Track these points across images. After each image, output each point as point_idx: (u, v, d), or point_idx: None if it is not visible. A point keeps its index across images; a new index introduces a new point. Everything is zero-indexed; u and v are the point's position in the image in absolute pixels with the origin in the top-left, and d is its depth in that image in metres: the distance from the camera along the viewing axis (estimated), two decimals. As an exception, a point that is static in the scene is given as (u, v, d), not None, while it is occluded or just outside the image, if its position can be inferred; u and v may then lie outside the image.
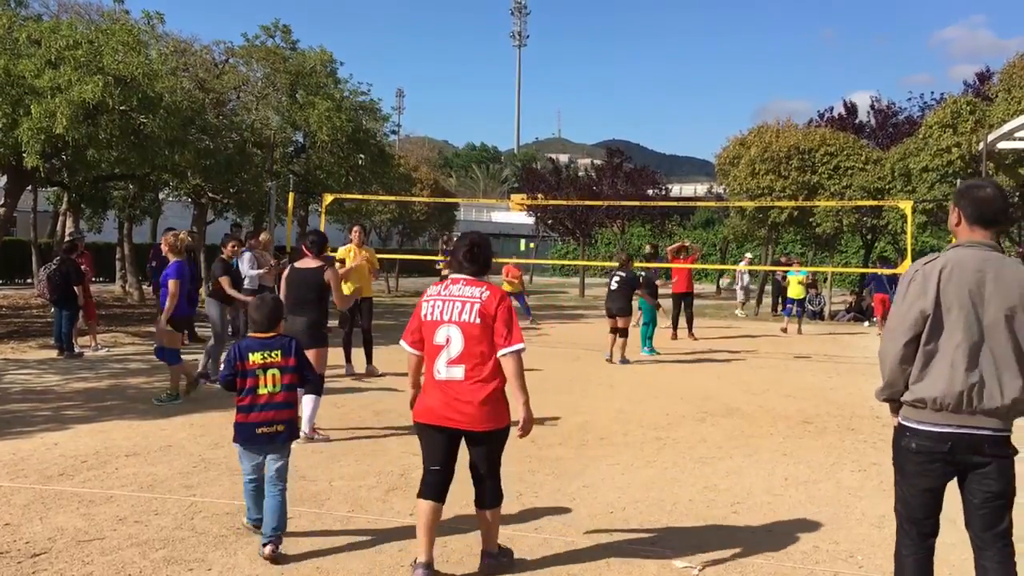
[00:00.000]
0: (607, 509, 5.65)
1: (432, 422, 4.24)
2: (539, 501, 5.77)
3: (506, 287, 20.66)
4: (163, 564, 4.48)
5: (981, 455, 3.32)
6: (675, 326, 16.86)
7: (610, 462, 6.92)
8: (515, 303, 20.28)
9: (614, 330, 13.08)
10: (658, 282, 15.05)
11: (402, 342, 4.44)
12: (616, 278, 13.13)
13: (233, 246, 11.03)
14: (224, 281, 10.39)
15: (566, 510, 5.61)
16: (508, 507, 5.56)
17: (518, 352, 4.20)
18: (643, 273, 14.36)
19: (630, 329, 13.23)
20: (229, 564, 4.50)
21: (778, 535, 5.21)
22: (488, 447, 4.29)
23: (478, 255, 4.37)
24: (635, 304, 13.72)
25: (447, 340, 4.20)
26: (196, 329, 13.37)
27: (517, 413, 4.27)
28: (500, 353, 4.19)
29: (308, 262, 7.67)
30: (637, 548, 4.91)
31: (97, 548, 4.69)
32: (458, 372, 4.18)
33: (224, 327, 10.82)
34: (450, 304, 4.24)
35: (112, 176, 17.90)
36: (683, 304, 17.05)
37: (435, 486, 4.29)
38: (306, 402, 7.08)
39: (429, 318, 4.28)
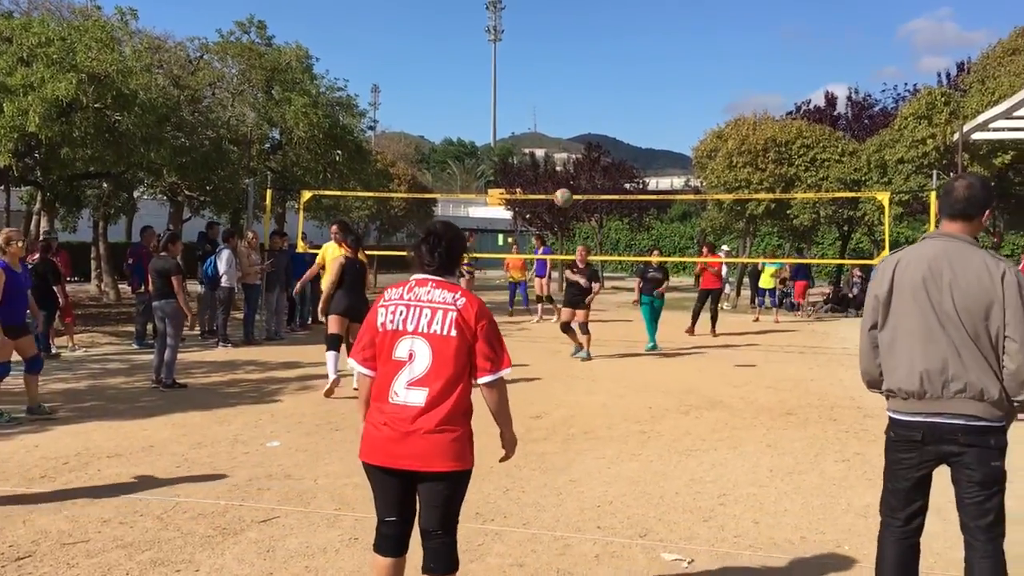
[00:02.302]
0: (595, 503, 5.66)
1: (382, 463, 3.34)
2: (526, 496, 5.77)
3: (513, 276, 20.66)
4: (150, 566, 4.43)
5: (956, 444, 3.35)
6: (694, 320, 16.49)
7: (596, 456, 6.94)
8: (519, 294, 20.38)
9: (567, 326, 12.81)
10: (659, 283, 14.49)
11: (351, 360, 3.59)
12: (575, 272, 12.85)
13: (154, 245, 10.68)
14: (176, 281, 9.84)
15: (554, 505, 5.61)
16: (495, 502, 5.58)
17: (503, 377, 3.46)
18: (652, 271, 13.95)
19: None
20: (217, 565, 4.46)
21: (765, 526, 5.24)
22: (445, 494, 3.35)
23: (452, 248, 3.49)
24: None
25: (410, 355, 3.33)
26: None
27: (497, 437, 3.78)
28: (484, 380, 3.40)
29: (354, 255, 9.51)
30: (626, 542, 4.92)
31: (82, 551, 4.63)
32: (419, 397, 3.29)
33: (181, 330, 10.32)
34: (416, 311, 3.36)
35: (87, 174, 17.73)
36: (708, 300, 16.73)
37: (394, 539, 3.46)
38: None
39: (389, 327, 3.37)
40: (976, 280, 3.32)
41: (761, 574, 4.48)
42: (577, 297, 12.67)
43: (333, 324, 9.35)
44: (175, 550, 4.67)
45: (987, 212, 3.50)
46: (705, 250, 17.77)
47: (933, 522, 3.90)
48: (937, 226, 3.64)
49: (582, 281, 12.62)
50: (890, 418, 3.54)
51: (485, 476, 6.20)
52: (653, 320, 13.89)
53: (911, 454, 3.45)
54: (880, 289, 3.54)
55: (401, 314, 3.37)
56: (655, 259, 14.33)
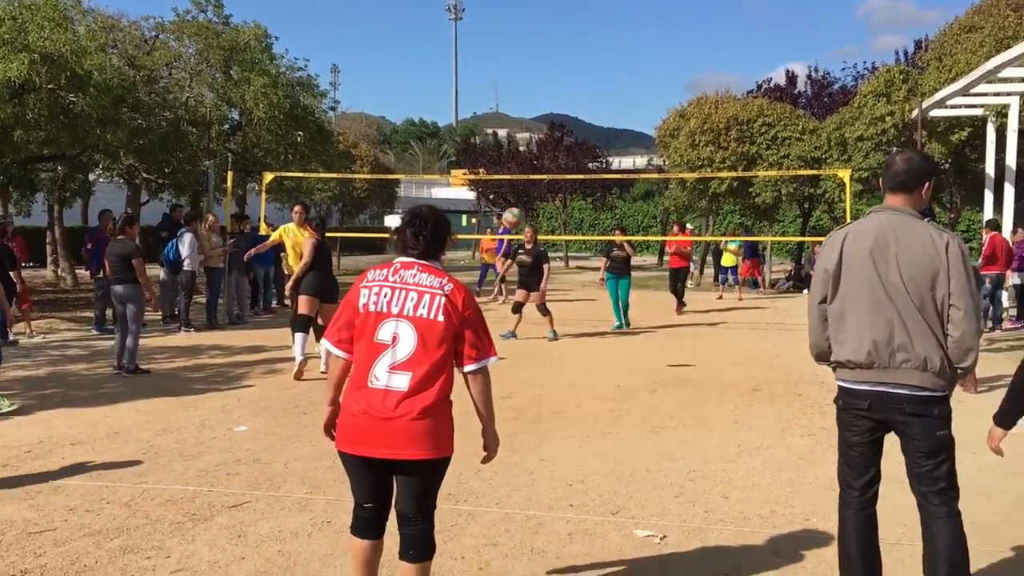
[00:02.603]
0: (566, 482, 5.68)
1: (360, 452, 3.25)
2: (498, 477, 5.77)
3: (484, 258, 20.74)
4: (119, 553, 4.37)
5: (901, 413, 3.43)
6: (680, 299, 16.57)
7: (566, 435, 6.96)
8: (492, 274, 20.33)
9: (520, 306, 12.77)
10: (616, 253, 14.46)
11: (325, 341, 3.46)
12: (523, 253, 12.84)
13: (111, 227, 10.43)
14: (137, 264, 9.60)
15: (526, 485, 5.62)
16: (468, 482, 5.58)
17: (488, 366, 3.39)
18: (615, 249, 13.96)
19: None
20: (188, 551, 4.41)
21: (735, 501, 5.30)
22: (423, 481, 3.31)
23: (437, 231, 3.42)
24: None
25: (394, 338, 3.23)
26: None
27: (479, 434, 3.67)
28: (471, 368, 3.32)
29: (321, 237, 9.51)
30: (598, 519, 4.95)
31: (49, 539, 4.55)
32: (401, 381, 3.20)
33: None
34: (402, 293, 3.27)
35: (41, 157, 17.35)
36: (676, 278, 16.77)
37: (372, 523, 3.42)
38: None
39: (373, 308, 3.27)
40: (921, 250, 3.40)
41: (732, 547, 4.53)
42: (529, 279, 12.68)
43: (304, 304, 9.28)
44: (144, 537, 4.60)
45: (926, 184, 3.56)
46: (676, 229, 17.85)
47: (897, 493, 3.97)
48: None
49: (521, 260, 12.68)
50: (839, 387, 3.63)
51: (457, 457, 6.13)
52: (621, 299, 13.94)
53: (859, 422, 3.55)
54: (829, 263, 3.61)
55: (386, 296, 3.28)
56: (619, 238, 14.34)
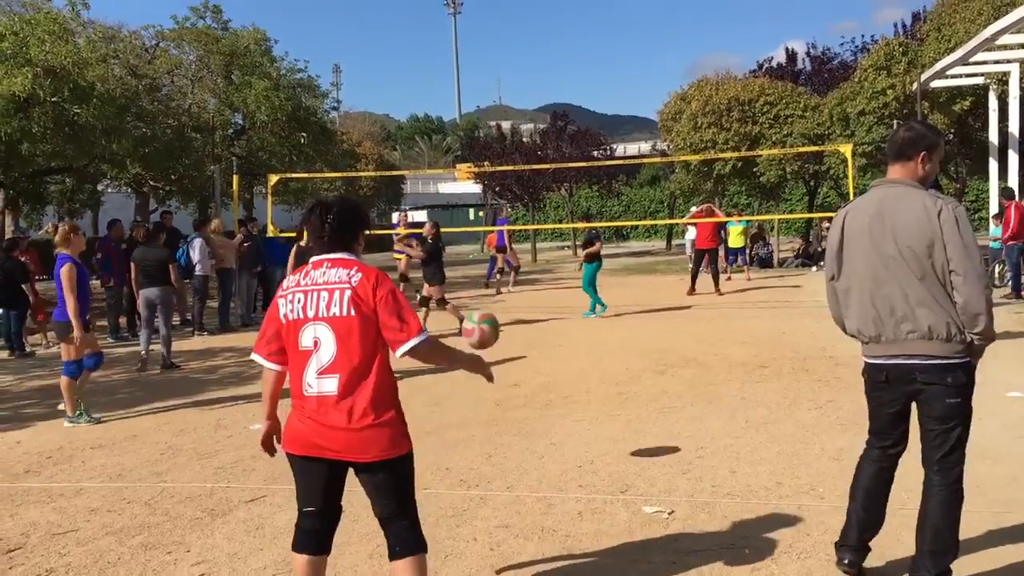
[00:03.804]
0: (576, 463, 5.77)
1: (303, 452, 3.14)
2: (508, 461, 5.87)
3: (492, 251, 20.79)
4: (141, 550, 4.49)
5: (916, 383, 3.49)
6: (693, 281, 16.76)
7: (575, 419, 7.05)
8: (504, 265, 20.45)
9: (425, 301, 12.07)
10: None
11: (255, 355, 3.34)
12: (410, 246, 12.71)
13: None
14: (173, 268, 10.29)
15: (536, 468, 5.71)
16: (479, 468, 5.68)
17: (421, 344, 3.12)
18: (590, 234, 14.05)
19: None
20: (208, 544, 4.53)
21: (742, 475, 5.38)
22: (392, 481, 3.17)
23: (343, 219, 3.25)
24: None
25: (315, 343, 3.11)
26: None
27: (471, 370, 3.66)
28: (400, 352, 3.12)
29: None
30: (608, 498, 5.04)
31: (73, 539, 4.69)
32: (331, 385, 3.08)
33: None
34: (314, 295, 3.13)
35: (49, 170, 17.56)
36: (706, 259, 16.88)
37: (313, 535, 3.26)
38: None
39: (292, 316, 3.15)
40: (915, 220, 3.43)
41: (739, 519, 4.61)
42: (429, 272, 12.08)
43: None
44: (165, 533, 4.73)
45: (923, 153, 3.57)
46: (697, 210, 17.81)
47: (908, 460, 4.03)
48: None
49: (413, 254, 12.54)
50: (863, 361, 3.71)
51: (468, 444, 6.32)
52: (588, 287, 13.90)
53: (880, 393, 3.64)
54: (833, 240, 3.72)
55: (299, 301, 3.15)
56: (583, 225, 14.39)
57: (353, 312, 3.08)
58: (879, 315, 3.52)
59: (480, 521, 4.73)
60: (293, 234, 16.92)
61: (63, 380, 7.56)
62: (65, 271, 7.39)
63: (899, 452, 3.73)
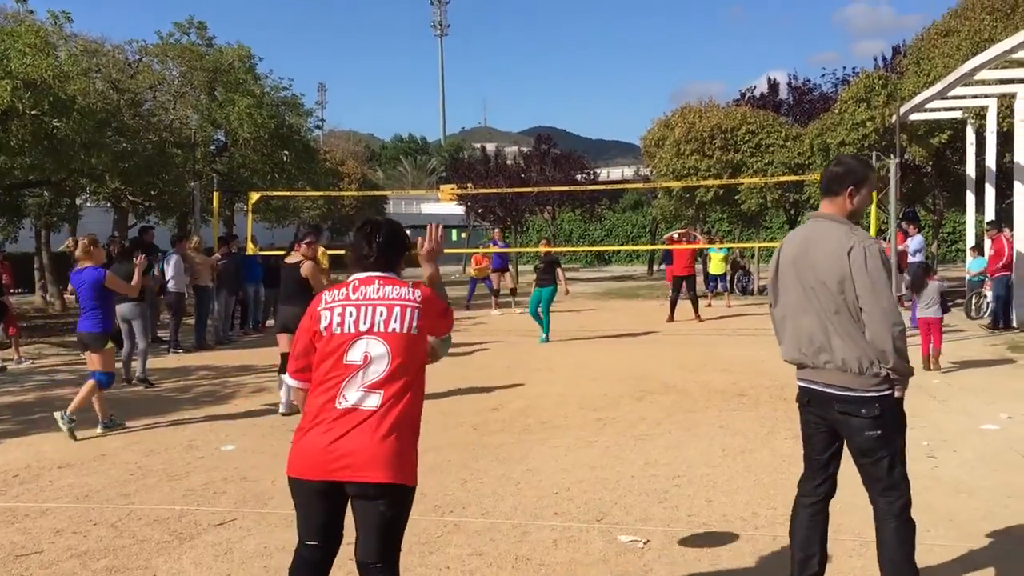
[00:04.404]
0: (552, 490, 5.72)
1: (312, 477, 3.00)
2: (484, 487, 5.81)
3: (472, 273, 20.84)
4: (105, 573, 4.39)
5: (834, 412, 3.55)
6: (672, 308, 16.69)
7: (553, 444, 7.00)
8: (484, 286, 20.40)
9: None
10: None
11: (287, 377, 3.31)
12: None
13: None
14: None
15: (512, 494, 5.66)
16: (454, 493, 5.61)
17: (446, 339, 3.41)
18: (550, 258, 13.98)
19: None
20: (174, 569, 4.44)
21: (718, 504, 5.35)
22: (385, 514, 3.01)
23: (391, 239, 3.27)
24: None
25: (365, 358, 3.04)
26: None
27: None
28: (440, 338, 3.34)
29: (292, 257, 8.55)
30: (583, 526, 4.99)
31: (36, 561, 4.57)
32: (374, 400, 3.01)
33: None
34: (369, 309, 3.08)
35: (26, 183, 17.36)
36: (684, 286, 16.85)
37: (313, 566, 3.14)
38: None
39: (338, 330, 3.08)
40: (828, 256, 3.52)
41: (714, 550, 4.57)
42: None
43: (282, 342, 8.29)
44: (131, 557, 4.63)
45: (850, 188, 3.61)
46: (677, 236, 17.84)
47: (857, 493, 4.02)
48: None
49: None
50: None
51: (444, 469, 6.25)
52: (545, 310, 13.79)
53: (807, 416, 3.75)
54: (771, 269, 3.85)
55: (351, 315, 3.08)
56: (543, 249, 14.36)
57: (415, 330, 3.10)
58: (802, 343, 3.63)
59: (453, 548, 4.66)
60: (272, 252, 16.87)
61: (91, 384, 7.73)
62: (108, 276, 7.95)
63: (827, 491, 3.75)
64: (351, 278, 3.23)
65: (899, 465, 3.51)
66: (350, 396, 3.02)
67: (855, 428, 3.49)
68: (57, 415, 7.60)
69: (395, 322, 3.08)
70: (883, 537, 3.53)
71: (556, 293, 13.85)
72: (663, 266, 22.78)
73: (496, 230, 21.22)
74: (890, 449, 3.48)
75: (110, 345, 7.97)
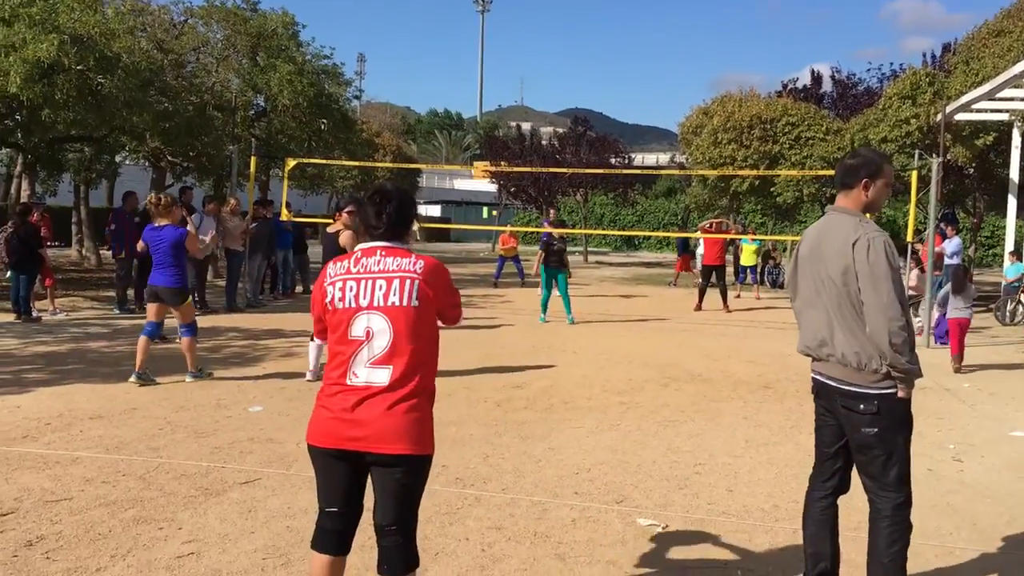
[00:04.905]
0: (573, 470, 5.75)
1: (329, 444, 3.03)
2: (506, 463, 5.85)
3: (501, 252, 20.90)
4: (132, 523, 4.49)
5: (837, 404, 3.57)
6: (701, 298, 16.63)
7: (575, 425, 7.03)
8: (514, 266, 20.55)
9: None
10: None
11: (317, 341, 3.41)
12: None
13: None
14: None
15: (533, 471, 5.69)
16: (475, 468, 5.66)
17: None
18: (553, 241, 13.96)
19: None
20: (200, 523, 4.52)
21: (739, 494, 5.35)
22: (402, 482, 3.02)
23: (402, 210, 3.16)
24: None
25: (367, 333, 3.01)
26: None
27: None
28: (458, 323, 3.35)
29: (334, 226, 8.82)
30: (603, 507, 5.02)
31: (65, 508, 4.68)
32: (382, 376, 2.99)
33: None
34: (369, 283, 3.02)
35: (68, 138, 17.56)
36: (714, 276, 16.74)
37: (335, 535, 3.14)
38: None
39: (341, 304, 3.04)
40: (835, 249, 3.51)
41: (733, 539, 4.58)
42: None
43: None
44: (158, 508, 4.72)
45: (864, 180, 3.59)
46: (711, 226, 17.70)
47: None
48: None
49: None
50: None
51: (466, 443, 6.30)
52: (565, 293, 13.85)
53: (817, 404, 3.78)
54: (791, 265, 3.87)
55: (352, 289, 3.03)
56: (557, 231, 14.28)
57: (416, 302, 3.01)
58: (811, 335, 3.66)
59: (473, 521, 4.71)
60: (304, 220, 17.00)
61: (186, 340, 8.29)
62: (189, 236, 8.47)
63: (836, 486, 3.75)
64: (356, 248, 3.20)
65: (897, 465, 3.47)
66: (360, 373, 3.01)
67: (854, 423, 3.51)
68: (188, 377, 8.26)
69: (394, 295, 3.00)
70: (874, 537, 3.53)
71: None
72: (682, 255, 22.96)
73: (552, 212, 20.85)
74: (887, 448, 3.46)
75: (189, 299, 8.49)
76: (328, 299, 3.07)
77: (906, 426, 3.50)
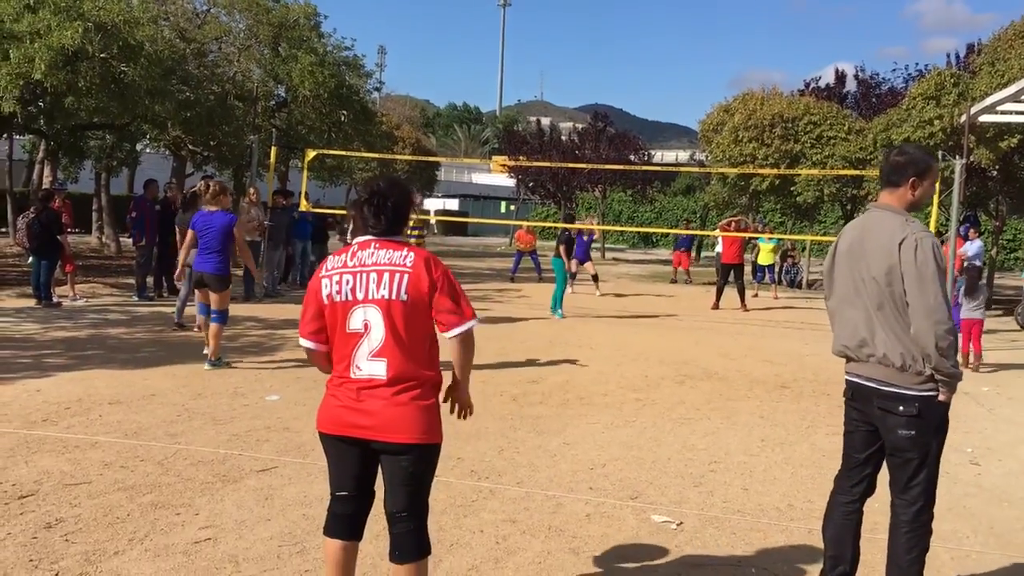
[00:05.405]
0: (587, 465, 5.75)
1: (337, 431, 3.10)
2: (521, 457, 5.86)
3: (519, 247, 20.95)
4: (150, 508, 4.53)
5: (873, 407, 3.50)
6: (718, 296, 16.59)
7: (591, 420, 7.02)
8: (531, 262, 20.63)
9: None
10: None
11: (302, 340, 3.23)
12: None
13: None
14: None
15: (548, 466, 5.70)
16: (491, 461, 5.67)
17: (471, 329, 3.16)
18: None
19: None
20: (217, 509, 4.56)
21: (754, 493, 5.33)
22: (411, 470, 3.07)
23: (399, 207, 3.17)
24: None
25: (365, 326, 3.05)
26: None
27: (450, 391, 3.44)
28: (453, 334, 3.11)
29: None
30: (617, 503, 5.02)
31: (84, 491, 4.73)
32: (380, 368, 3.03)
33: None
34: (363, 276, 3.05)
35: (91, 125, 17.68)
36: (732, 275, 16.70)
37: (345, 519, 3.19)
38: None
39: (338, 298, 3.07)
40: (880, 248, 3.45)
41: (747, 537, 4.57)
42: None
43: None
44: (175, 494, 4.76)
45: (912, 178, 3.53)
46: (730, 224, 17.58)
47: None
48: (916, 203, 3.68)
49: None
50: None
51: (482, 436, 6.31)
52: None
53: (849, 410, 3.69)
54: (828, 261, 3.80)
55: (348, 283, 3.06)
56: (578, 226, 14.38)
57: (406, 296, 3.02)
58: (850, 335, 3.58)
59: (488, 514, 4.72)
60: (322, 210, 17.06)
61: (214, 327, 8.33)
62: (238, 223, 8.62)
63: (864, 491, 3.69)
64: (352, 241, 3.21)
65: (927, 470, 3.43)
66: (362, 366, 3.06)
67: (890, 425, 3.45)
68: (206, 365, 8.25)
69: (384, 288, 3.03)
70: (893, 541, 3.50)
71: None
72: (681, 251, 23.79)
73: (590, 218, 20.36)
74: (921, 452, 3.41)
75: (229, 288, 8.61)
76: (325, 293, 3.11)
77: (942, 431, 3.46)
